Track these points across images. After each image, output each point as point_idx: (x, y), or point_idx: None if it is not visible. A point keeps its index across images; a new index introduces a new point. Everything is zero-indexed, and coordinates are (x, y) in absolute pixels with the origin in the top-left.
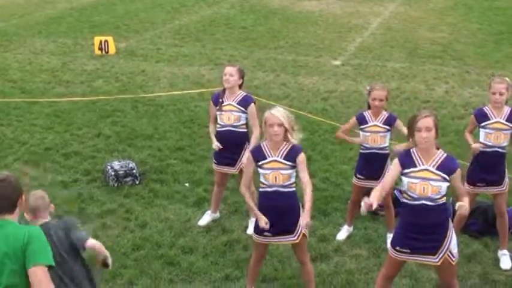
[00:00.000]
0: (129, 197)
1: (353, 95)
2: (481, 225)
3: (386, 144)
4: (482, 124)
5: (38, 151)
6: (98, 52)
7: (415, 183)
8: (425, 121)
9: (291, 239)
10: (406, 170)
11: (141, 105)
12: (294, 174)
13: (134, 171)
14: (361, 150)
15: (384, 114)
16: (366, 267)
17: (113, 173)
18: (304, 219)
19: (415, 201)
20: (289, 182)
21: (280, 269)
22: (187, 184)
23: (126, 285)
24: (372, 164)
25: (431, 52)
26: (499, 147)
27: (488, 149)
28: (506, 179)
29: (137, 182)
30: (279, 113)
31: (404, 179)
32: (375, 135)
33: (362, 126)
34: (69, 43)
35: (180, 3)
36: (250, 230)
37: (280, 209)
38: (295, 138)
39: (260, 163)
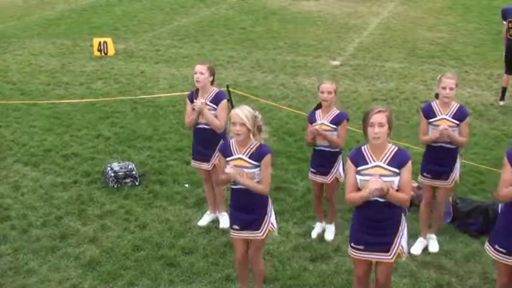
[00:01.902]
0: (129, 198)
1: (352, 95)
2: (481, 224)
3: None
4: (430, 120)
5: (37, 153)
6: (97, 53)
7: (368, 180)
8: (378, 116)
9: (257, 235)
10: (359, 168)
11: (140, 107)
12: (259, 173)
13: (134, 172)
14: (314, 147)
15: (334, 112)
16: None
17: (112, 174)
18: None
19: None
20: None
21: (280, 269)
22: (187, 185)
23: (127, 286)
24: (321, 160)
25: (430, 52)
26: (445, 143)
27: (434, 144)
28: (454, 175)
29: (137, 183)
30: (242, 113)
31: (357, 177)
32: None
33: (313, 124)
34: (68, 44)
35: (178, 4)
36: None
37: (247, 206)
38: (258, 140)
39: (227, 159)
